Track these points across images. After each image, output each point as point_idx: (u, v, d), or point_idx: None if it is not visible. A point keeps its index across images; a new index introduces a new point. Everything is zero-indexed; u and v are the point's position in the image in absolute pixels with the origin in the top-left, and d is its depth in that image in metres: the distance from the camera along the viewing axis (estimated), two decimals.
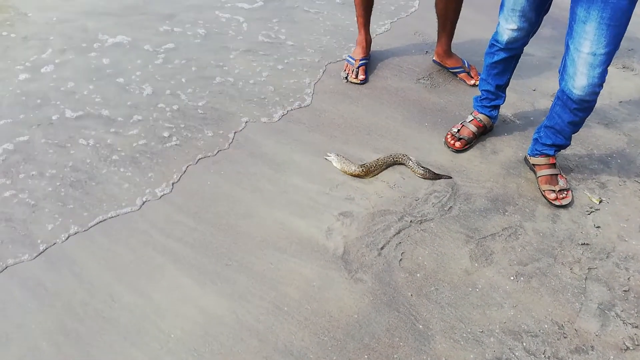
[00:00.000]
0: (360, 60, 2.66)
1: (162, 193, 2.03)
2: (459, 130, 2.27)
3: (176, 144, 2.25)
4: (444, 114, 2.46)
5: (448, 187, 2.08)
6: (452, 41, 2.66)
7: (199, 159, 2.18)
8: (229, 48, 2.87)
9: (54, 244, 1.83)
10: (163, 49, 2.84)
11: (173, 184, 2.07)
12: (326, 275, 1.75)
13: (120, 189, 2.04)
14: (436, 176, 2.10)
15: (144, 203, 1.98)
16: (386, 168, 2.15)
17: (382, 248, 1.84)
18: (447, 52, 2.68)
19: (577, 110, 1.86)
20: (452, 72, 2.69)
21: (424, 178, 2.09)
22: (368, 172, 2.10)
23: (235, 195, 2.03)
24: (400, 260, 1.81)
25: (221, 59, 2.78)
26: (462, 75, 2.67)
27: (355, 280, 1.74)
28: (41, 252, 1.80)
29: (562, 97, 1.87)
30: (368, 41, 2.69)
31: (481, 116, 2.27)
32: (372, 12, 2.61)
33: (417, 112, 2.46)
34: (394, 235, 1.88)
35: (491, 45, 2.10)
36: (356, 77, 2.62)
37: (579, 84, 1.76)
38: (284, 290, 1.71)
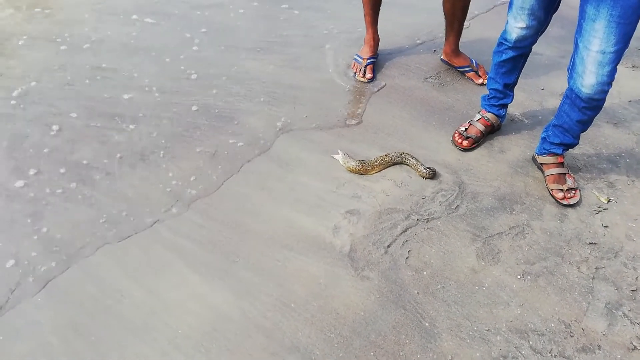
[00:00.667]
0: (368, 59, 2.66)
1: (169, 190, 2.04)
2: (466, 129, 2.26)
3: (185, 142, 2.26)
4: (451, 112, 2.46)
5: (455, 186, 2.08)
6: (460, 40, 2.65)
7: (208, 157, 2.19)
8: (237, 47, 2.88)
9: (66, 242, 1.85)
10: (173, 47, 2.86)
11: (181, 181, 2.08)
12: (333, 272, 1.76)
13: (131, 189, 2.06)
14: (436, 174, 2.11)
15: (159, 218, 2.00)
16: (386, 167, 2.15)
17: (388, 246, 1.85)
18: (455, 51, 2.67)
19: (585, 109, 1.85)
20: (460, 71, 2.69)
21: (424, 177, 2.09)
22: (366, 168, 2.11)
23: (243, 193, 2.04)
24: (407, 258, 1.81)
25: (229, 57, 2.80)
26: (470, 74, 2.66)
27: (361, 277, 1.75)
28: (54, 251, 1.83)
29: (571, 96, 1.87)
30: (376, 40, 2.70)
31: (489, 115, 2.26)
32: (380, 10, 2.61)
33: (425, 111, 2.46)
34: (401, 234, 1.89)
35: (499, 44, 2.09)
36: (364, 75, 2.63)
37: (587, 82, 1.75)
38: (291, 287, 1.72)
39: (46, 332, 1.59)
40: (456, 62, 2.70)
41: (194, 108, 2.45)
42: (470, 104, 2.51)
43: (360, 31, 2.81)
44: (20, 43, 2.88)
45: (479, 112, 2.30)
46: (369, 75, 2.63)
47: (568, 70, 1.86)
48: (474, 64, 2.67)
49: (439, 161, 2.19)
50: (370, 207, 1.99)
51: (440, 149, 2.25)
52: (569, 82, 1.86)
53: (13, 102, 2.46)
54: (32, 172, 2.11)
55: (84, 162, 2.16)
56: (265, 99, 2.51)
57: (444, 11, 2.55)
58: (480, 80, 2.63)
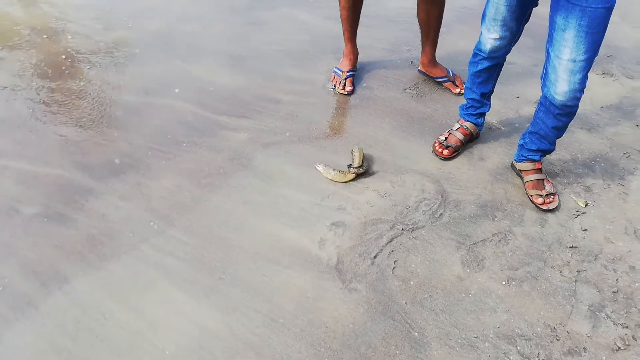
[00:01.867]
0: (348, 72, 2.69)
1: (151, 207, 2.01)
2: (446, 138, 2.30)
3: (165, 158, 2.24)
4: (431, 122, 2.50)
5: (438, 195, 2.10)
6: (437, 51, 2.70)
7: (189, 173, 2.17)
8: (213, 60, 2.88)
9: (46, 265, 1.80)
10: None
11: (163, 198, 2.05)
12: (320, 285, 1.75)
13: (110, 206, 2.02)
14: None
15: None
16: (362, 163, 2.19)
17: (375, 257, 1.85)
18: (432, 62, 2.72)
19: (560, 116, 1.90)
20: (438, 82, 2.74)
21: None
22: (345, 174, 2.15)
23: (226, 209, 2.02)
24: (394, 268, 1.82)
25: (204, 71, 2.79)
26: (448, 84, 2.71)
27: (349, 289, 1.74)
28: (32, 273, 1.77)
29: (545, 103, 1.92)
30: (355, 53, 2.73)
31: (467, 124, 2.31)
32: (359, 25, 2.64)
33: (405, 122, 2.49)
34: (387, 244, 1.90)
35: (474, 55, 2.14)
36: (344, 88, 2.65)
37: (560, 89, 1.80)
38: (279, 302, 1.70)
39: (27, 358, 1.54)
40: (433, 73, 2.74)
41: (174, 123, 2.43)
42: (448, 113, 2.55)
43: (339, 44, 2.83)
44: None
45: (457, 122, 2.34)
46: (348, 87, 2.66)
47: (541, 79, 1.91)
48: (451, 74, 2.72)
49: (421, 170, 2.21)
50: (355, 218, 1.99)
51: (421, 159, 2.28)
52: (542, 90, 1.91)
53: None
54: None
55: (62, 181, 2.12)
56: (244, 113, 2.51)
57: (418, 21, 2.59)
58: (458, 90, 2.68)
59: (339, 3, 2.54)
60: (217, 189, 2.10)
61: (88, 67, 2.81)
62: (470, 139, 2.35)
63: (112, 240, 1.89)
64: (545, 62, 1.86)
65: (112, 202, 2.04)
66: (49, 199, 2.04)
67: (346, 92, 2.65)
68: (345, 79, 2.67)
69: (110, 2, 3.46)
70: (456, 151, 2.29)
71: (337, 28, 2.71)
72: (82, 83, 2.68)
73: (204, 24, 3.25)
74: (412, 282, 1.78)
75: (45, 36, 3.08)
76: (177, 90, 2.64)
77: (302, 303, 1.70)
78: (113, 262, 1.82)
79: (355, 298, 1.72)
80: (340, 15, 2.59)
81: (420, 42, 2.69)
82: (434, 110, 2.57)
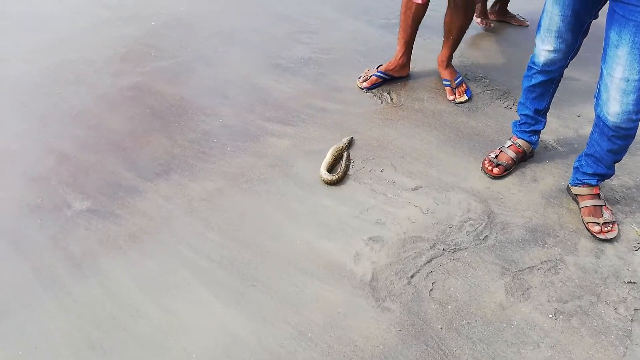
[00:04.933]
0: (378, 71, 2.65)
1: (192, 208, 2.04)
2: (497, 155, 2.19)
3: (210, 161, 2.26)
4: (481, 138, 2.39)
5: (484, 215, 2.00)
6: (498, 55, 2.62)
7: (231, 177, 2.18)
8: (257, 66, 2.90)
9: (85, 254, 1.86)
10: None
11: (203, 200, 2.07)
12: (352, 302, 1.70)
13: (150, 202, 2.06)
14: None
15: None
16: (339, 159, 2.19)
17: (412, 277, 1.78)
18: (444, 63, 2.67)
19: (614, 138, 1.76)
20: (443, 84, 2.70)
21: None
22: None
23: (264, 214, 2.01)
24: (431, 290, 1.74)
25: (248, 77, 2.82)
26: (447, 88, 2.65)
27: (382, 309, 1.68)
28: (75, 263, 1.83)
29: (599, 124, 1.79)
30: (401, 60, 2.66)
31: (520, 141, 2.19)
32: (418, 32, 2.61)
33: (454, 136, 2.40)
34: (425, 264, 1.82)
35: (529, 68, 2.03)
36: (363, 81, 2.67)
37: (612, 110, 1.67)
38: (309, 315, 1.67)
39: (61, 346, 1.58)
40: (441, 73, 2.69)
41: (220, 127, 2.46)
42: (501, 129, 2.43)
43: (391, 54, 2.77)
44: None
45: (509, 139, 2.22)
46: (365, 84, 2.66)
47: (595, 98, 1.78)
48: (455, 81, 2.64)
49: (468, 188, 2.11)
50: (394, 234, 1.93)
51: (469, 176, 2.18)
52: (595, 110, 1.78)
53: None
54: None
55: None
56: (290, 121, 2.50)
57: (443, 22, 2.56)
58: (451, 98, 2.61)
59: (401, 8, 2.50)
60: (257, 195, 2.10)
61: (142, 68, 2.90)
62: (523, 158, 2.22)
63: (152, 238, 1.92)
64: (599, 80, 1.73)
65: (155, 201, 2.08)
66: (97, 194, 2.10)
67: (360, 86, 2.66)
68: (371, 75, 2.66)
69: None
70: (507, 170, 2.17)
71: (390, 37, 2.66)
72: (136, 79, 2.77)
73: (256, 30, 3.29)
74: (449, 307, 1.69)
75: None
76: (227, 96, 2.67)
77: (333, 318, 1.66)
78: (150, 260, 1.85)
79: (387, 318, 1.65)
80: (400, 19, 2.55)
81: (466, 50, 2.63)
82: (485, 126, 2.46)
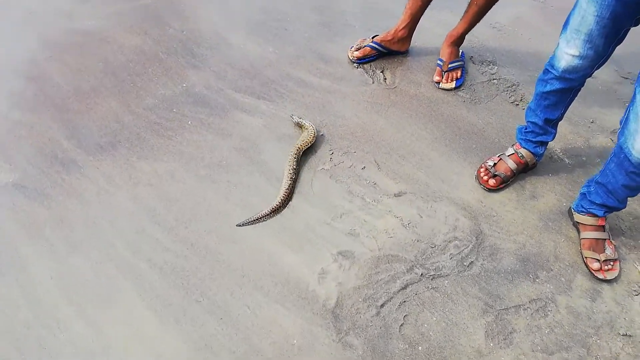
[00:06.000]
0: (373, 42, 2.33)
1: (137, 194, 1.74)
2: (495, 164, 1.91)
3: (166, 135, 1.94)
4: (480, 138, 2.09)
5: (472, 236, 1.75)
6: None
7: (187, 158, 1.88)
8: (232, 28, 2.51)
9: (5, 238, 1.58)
10: None
11: (151, 186, 1.78)
12: (310, 332, 1.47)
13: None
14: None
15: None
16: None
17: (382, 306, 1.54)
18: (452, 40, 2.30)
19: (634, 175, 1.50)
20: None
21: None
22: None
23: (222, 211, 1.73)
24: (402, 325, 1.51)
25: (219, 30, 2.43)
26: (437, 68, 2.33)
27: (343, 344, 1.45)
28: None
29: (619, 155, 1.51)
30: (399, 33, 2.30)
31: (523, 151, 1.90)
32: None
33: (450, 133, 2.10)
34: (399, 291, 1.58)
35: (545, 71, 1.71)
36: (355, 50, 2.35)
37: (639, 146, 1.40)
38: (258, 344, 1.43)
39: None
40: (441, 50, 2.35)
41: (185, 93, 2.11)
42: (503, 130, 2.14)
43: (392, 23, 2.40)
44: None
45: (512, 146, 1.94)
46: (357, 54, 2.34)
47: (620, 123, 1.50)
48: (450, 64, 2.30)
49: (457, 200, 1.85)
50: (368, 250, 1.67)
51: (460, 184, 1.91)
52: (618, 138, 1.50)
53: None
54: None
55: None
56: (265, 94, 2.16)
57: None
58: (437, 79, 2.30)
59: None
60: (215, 185, 1.80)
61: (103, 9, 2.49)
62: (524, 169, 1.95)
63: (85, 228, 1.64)
64: (629, 105, 1.44)
65: (94, 180, 1.77)
66: (27, 165, 1.79)
67: (351, 57, 2.36)
68: (365, 46, 2.34)
69: None
70: (504, 182, 1.90)
71: (396, 3, 2.27)
72: (92, 22, 2.37)
73: None
74: (420, 348, 1.47)
75: None
76: (195, 54, 2.30)
77: (285, 351, 1.43)
78: (80, 257, 1.57)
79: (348, 356, 1.43)
80: None
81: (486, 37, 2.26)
82: (486, 124, 2.16)
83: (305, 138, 1.91)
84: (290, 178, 1.80)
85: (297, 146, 1.88)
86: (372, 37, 2.36)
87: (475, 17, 2.17)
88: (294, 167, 1.82)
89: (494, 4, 2.11)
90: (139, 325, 1.44)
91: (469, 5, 2.16)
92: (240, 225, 1.69)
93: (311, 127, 1.93)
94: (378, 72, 2.34)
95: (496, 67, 2.43)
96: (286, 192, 1.77)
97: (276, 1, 2.70)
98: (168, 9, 2.55)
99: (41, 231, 1.62)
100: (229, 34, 2.44)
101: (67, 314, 1.45)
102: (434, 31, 2.57)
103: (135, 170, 1.82)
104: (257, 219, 1.70)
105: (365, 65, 2.36)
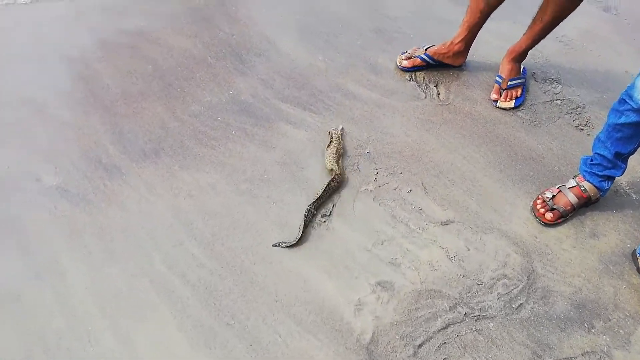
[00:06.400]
0: (425, 54, 2.21)
1: (177, 205, 1.72)
2: (553, 196, 1.77)
3: (209, 145, 1.91)
4: (539, 165, 1.95)
5: (523, 275, 1.63)
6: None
7: (229, 170, 1.84)
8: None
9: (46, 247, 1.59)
10: None
11: (191, 197, 1.75)
12: None
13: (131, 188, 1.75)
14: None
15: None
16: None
17: (420, 346, 1.45)
18: (514, 55, 2.13)
19: None
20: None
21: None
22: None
23: (259, 229, 1.68)
24: None
25: (269, 34, 2.37)
26: (495, 85, 2.18)
27: None
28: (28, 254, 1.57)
29: None
30: (455, 47, 2.17)
31: (587, 185, 1.75)
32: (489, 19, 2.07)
33: (506, 157, 1.96)
34: (439, 331, 1.49)
35: (621, 101, 1.55)
36: (405, 59, 2.24)
37: None
38: None
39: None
40: (501, 66, 2.18)
41: (230, 101, 2.08)
42: (565, 157, 1.98)
43: (451, 33, 2.27)
44: None
45: (574, 177, 1.79)
46: (405, 62, 2.24)
47: None
48: (510, 82, 2.13)
49: (510, 233, 1.72)
50: (409, 282, 1.58)
51: (513, 216, 1.78)
52: None
53: None
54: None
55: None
56: (312, 105, 2.10)
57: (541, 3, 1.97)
58: (494, 97, 2.15)
59: None
60: (255, 200, 1.76)
61: (152, 7, 2.48)
62: (586, 204, 1.80)
63: (124, 238, 1.63)
64: None
65: (136, 188, 1.76)
66: (72, 168, 1.80)
67: (399, 64, 2.26)
68: (414, 56, 2.22)
69: None
70: (563, 217, 1.76)
71: (458, 13, 2.14)
72: (143, 23, 2.37)
73: None
74: None
75: None
76: (243, 60, 2.25)
77: None
78: (116, 267, 1.57)
79: None
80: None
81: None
82: (547, 149, 2.00)
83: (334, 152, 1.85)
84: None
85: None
86: (425, 48, 2.23)
87: (540, 33, 2.00)
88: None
89: (562, 20, 1.94)
90: (169, 345, 1.42)
91: (534, 20, 1.99)
92: (275, 246, 1.64)
93: (333, 163, 1.83)
94: (431, 86, 2.22)
95: (560, 86, 2.26)
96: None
97: (329, 5, 2.62)
98: (220, 11, 2.52)
99: (81, 237, 1.63)
100: (279, 39, 2.38)
101: (99, 327, 1.44)
102: (493, 44, 2.41)
103: (177, 180, 1.80)
104: (293, 244, 1.65)
105: (418, 78, 2.24)
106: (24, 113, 1.98)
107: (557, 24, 1.95)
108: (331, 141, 1.88)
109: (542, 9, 1.92)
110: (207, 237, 1.66)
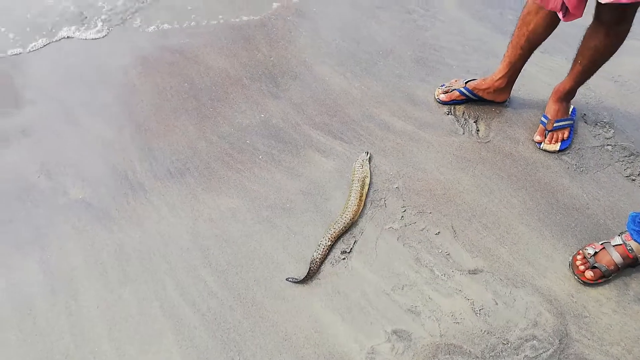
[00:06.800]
0: (464, 87, 2.11)
1: (196, 229, 1.69)
2: (596, 252, 1.62)
3: (235, 169, 1.88)
4: (582, 216, 1.80)
5: (555, 337, 1.49)
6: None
7: (251, 196, 1.80)
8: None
9: (61, 256, 1.60)
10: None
11: (211, 221, 1.72)
12: None
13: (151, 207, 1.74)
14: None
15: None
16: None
17: None
18: (560, 95, 1.97)
19: None
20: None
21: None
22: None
23: (276, 261, 1.63)
24: None
25: (305, 58, 2.33)
26: (540, 126, 2.03)
27: None
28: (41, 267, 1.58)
29: None
30: (497, 84, 2.05)
31: (634, 245, 1.59)
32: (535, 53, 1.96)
33: (545, 204, 1.83)
34: None
35: None
36: (443, 92, 2.16)
37: None
38: None
39: None
40: (547, 106, 2.04)
41: (260, 125, 2.05)
42: (612, 210, 1.82)
43: (495, 66, 2.17)
44: None
45: (621, 234, 1.63)
46: (443, 96, 2.15)
47: None
48: (557, 123, 1.98)
49: (543, 290, 1.59)
50: (428, 334, 1.48)
51: (549, 271, 1.64)
52: None
53: None
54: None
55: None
56: (343, 134, 2.04)
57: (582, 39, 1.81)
58: (538, 139, 2.01)
59: (518, 21, 1.88)
60: (275, 229, 1.71)
61: (195, 24, 2.51)
62: (632, 265, 1.64)
63: (140, 259, 1.62)
64: None
65: (158, 209, 1.75)
66: (98, 183, 1.81)
67: (437, 97, 2.17)
68: (452, 90, 2.12)
69: None
70: (604, 277, 1.61)
71: (501, 44, 2.04)
72: (184, 40, 2.39)
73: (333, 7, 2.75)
74: None
75: None
76: (278, 84, 2.23)
77: None
78: (129, 290, 1.55)
79: None
80: (513, 34, 1.93)
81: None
82: (592, 199, 1.85)
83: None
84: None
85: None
86: (466, 82, 2.13)
87: (581, 76, 1.86)
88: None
89: (603, 63, 1.80)
90: None
91: (574, 61, 1.85)
92: (289, 280, 1.58)
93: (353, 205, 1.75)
94: (471, 121, 2.11)
95: (613, 130, 2.10)
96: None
97: (372, 33, 2.56)
98: (261, 32, 2.52)
99: (98, 255, 1.62)
100: (316, 63, 2.35)
101: (105, 351, 1.42)
102: (542, 80, 2.28)
103: (199, 203, 1.77)
104: (304, 278, 1.58)
105: (457, 112, 2.14)
106: (60, 124, 2.02)
107: (597, 67, 1.81)
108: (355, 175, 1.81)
109: (580, 52, 1.79)
110: (222, 265, 1.62)
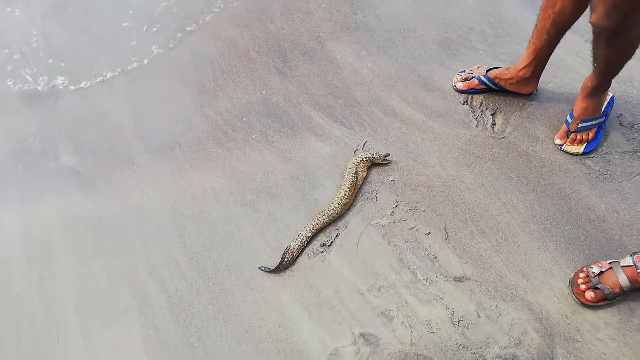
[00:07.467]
0: (486, 75, 1.91)
1: (176, 207, 1.66)
2: (601, 272, 1.45)
3: (225, 147, 1.82)
4: (595, 230, 1.61)
5: (538, 359, 1.36)
6: None
7: (238, 177, 1.74)
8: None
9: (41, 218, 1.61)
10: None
11: (193, 199, 1.68)
12: None
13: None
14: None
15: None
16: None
17: None
18: (588, 91, 1.72)
19: None
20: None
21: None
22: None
23: (252, 248, 1.57)
24: None
25: (318, 32, 2.20)
26: (563, 126, 1.81)
27: None
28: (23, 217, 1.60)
29: None
30: (521, 74, 1.84)
31: None
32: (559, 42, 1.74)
33: (555, 212, 1.65)
34: None
35: None
36: (462, 80, 1.99)
37: None
38: None
39: None
40: (575, 104, 1.79)
41: (259, 101, 1.97)
42: (631, 226, 1.62)
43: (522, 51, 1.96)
44: None
45: (632, 255, 1.45)
46: (460, 84, 1.98)
47: None
48: (583, 123, 1.75)
49: (534, 306, 1.45)
50: (398, 340, 1.39)
51: (545, 287, 1.49)
52: None
53: None
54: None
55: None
56: (345, 118, 1.92)
57: None
58: (559, 141, 1.81)
59: (543, 2, 1.66)
60: (256, 214, 1.65)
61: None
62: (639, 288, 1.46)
63: (116, 233, 1.61)
64: None
65: (142, 183, 1.73)
66: (89, 152, 1.81)
67: (454, 84, 2.00)
68: (472, 78, 1.95)
69: None
70: (606, 300, 1.44)
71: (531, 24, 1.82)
72: (208, 17, 2.32)
73: None
74: None
75: None
76: (286, 59, 2.12)
77: None
78: (102, 263, 1.55)
79: None
80: (538, 16, 1.72)
81: None
82: (611, 211, 1.66)
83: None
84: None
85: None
86: (487, 69, 1.94)
87: (604, 75, 1.63)
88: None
89: (622, 66, 1.55)
90: (128, 355, 1.37)
91: (592, 60, 1.62)
92: (261, 269, 1.52)
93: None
94: (487, 113, 1.93)
95: None
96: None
97: (397, 7, 2.38)
98: (278, 2, 2.40)
99: (78, 225, 1.63)
100: (329, 39, 2.21)
101: (70, 321, 1.43)
102: (578, 71, 2.04)
103: (183, 180, 1.73)
104: (276, 268, 1.51)
105: (474, 103, 1.96)
106: (58, 88, 2.02)
107: (619, 68, 1.57)
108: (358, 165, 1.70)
109: (593, 53, 1.55)
110: (197, 246, 1.58)
